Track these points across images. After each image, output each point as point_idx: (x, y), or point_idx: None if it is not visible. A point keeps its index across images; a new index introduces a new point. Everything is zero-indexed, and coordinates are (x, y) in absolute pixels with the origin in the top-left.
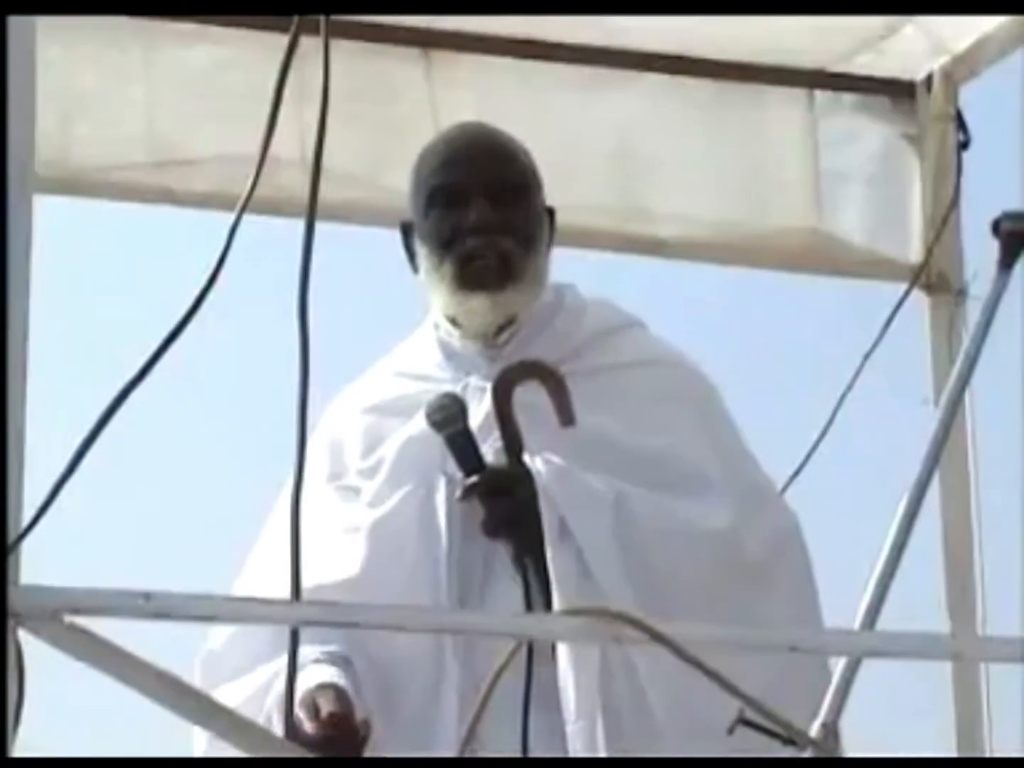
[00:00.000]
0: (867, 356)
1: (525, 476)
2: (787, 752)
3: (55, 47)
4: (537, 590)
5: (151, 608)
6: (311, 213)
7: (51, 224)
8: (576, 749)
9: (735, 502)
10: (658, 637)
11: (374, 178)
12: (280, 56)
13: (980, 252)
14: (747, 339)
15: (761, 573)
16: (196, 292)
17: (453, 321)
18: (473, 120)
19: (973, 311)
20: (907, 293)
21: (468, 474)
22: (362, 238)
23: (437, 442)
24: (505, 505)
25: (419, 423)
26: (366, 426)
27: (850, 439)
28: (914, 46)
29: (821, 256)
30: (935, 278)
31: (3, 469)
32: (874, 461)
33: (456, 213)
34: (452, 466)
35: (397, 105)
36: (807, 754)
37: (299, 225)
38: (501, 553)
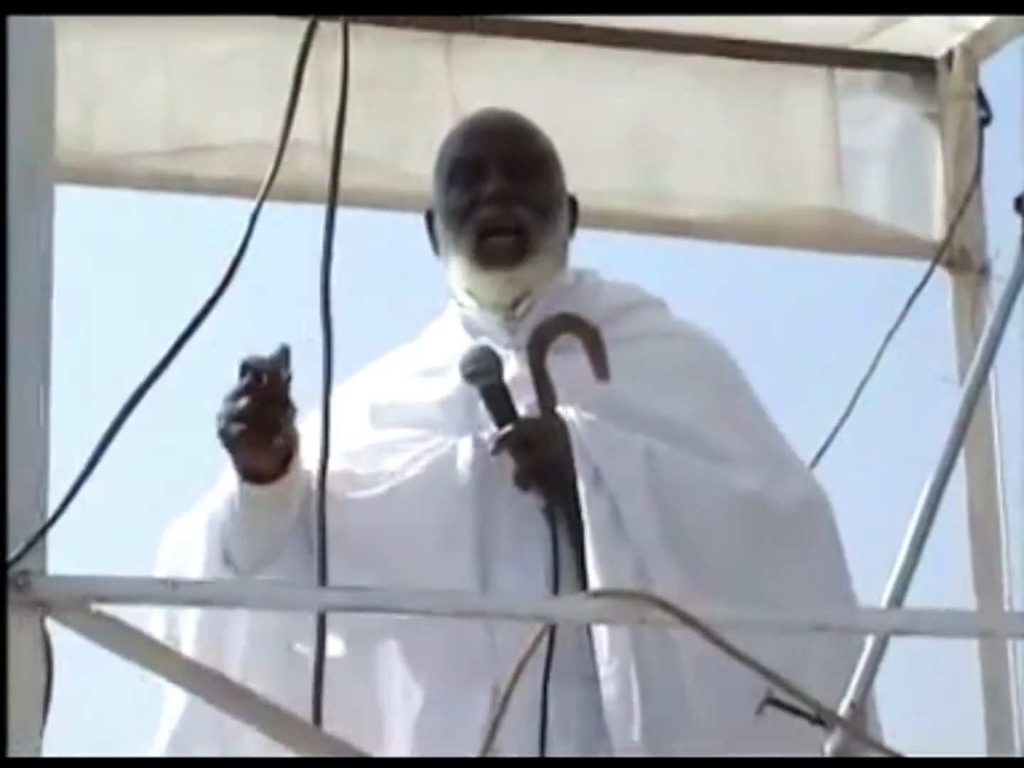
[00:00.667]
0: (890, 335)
1: (559, 427)
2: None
3: (75, 40)
4: (566, 542)
5: (179, 595)
6: (332, 199)
7: (72, 213)
8: (609, 695)
9: (762, 471)
10: (685, 618)
11: (394, 163)
12: (298, 42)
13: (1003, 229)
14: (769, 319)
15: (791, 531)
16: (218, 279)
17: (471, 294)
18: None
19: (996, 289)
20: (930, 271)
21: (501, 426)
22: (381, 223)
23: (465, 398)
24: (538, 456)
25: (451, 387)
26: (394, 388)
27: (874, 417)
28: (933, 23)
29: (843, 235)
30: (957, 256)
31: (3, 455)
32: (898, 439)
33: (474, 186)
34: (484, 430)
35: (416, 90)
36: (835, 734)
37: (319, 211)
38: (531, 507)
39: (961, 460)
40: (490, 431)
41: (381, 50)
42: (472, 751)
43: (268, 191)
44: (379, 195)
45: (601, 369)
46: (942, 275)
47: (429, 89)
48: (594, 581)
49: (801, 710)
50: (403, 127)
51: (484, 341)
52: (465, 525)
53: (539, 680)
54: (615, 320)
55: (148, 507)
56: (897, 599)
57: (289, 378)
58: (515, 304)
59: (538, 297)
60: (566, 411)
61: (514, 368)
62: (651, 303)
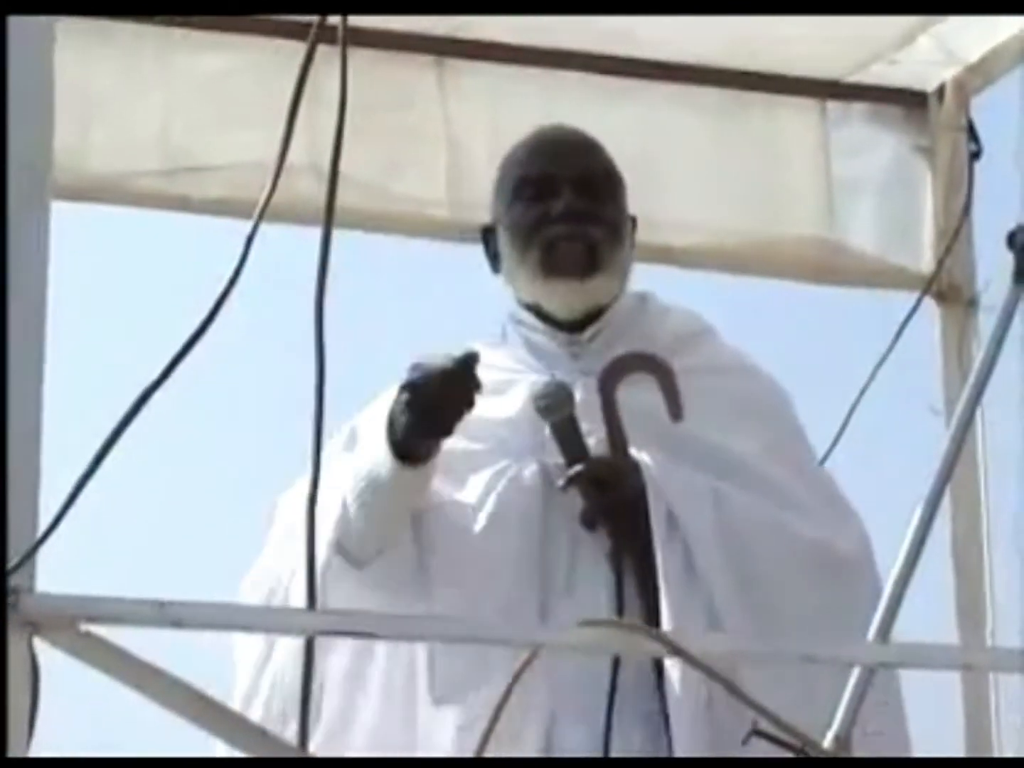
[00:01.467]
0: (878, 366)
1: (633, 468)
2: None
3: (70, 53)
4: (632, 586)
5: (167, 616)
6: (328, 220)
7: (67, 230)
8: (680, 735)
9: (824, 517)
10: (676, 650)
11: (386, 186)
12: (294, 63)
13: (992, 263)
14: (759, 349)
15: (853, 579)
16: (213, 300)
17: (537, 311)
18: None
19: (984, 322)
20: (918, 303)
21: (571, 463)
22: (372, 246)
23: (530, 418)
24: (610, 497)
25: (516, 406)
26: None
27: (862, 448)
28: (927, 56)
29: (832, 265)
30: (946, 288)
31: (3, 475)
32: (886, 470)
33: (543, 202)
34: (547, 453)
35: (409, 113)
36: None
37: (311, 233)
38: (589, 545)
39: (947, 492)
40: (555, 456)
41: (374, 73)
42: None
43: (264, 212)
44: (371, 217)
45: (676, 409)
46: (931, 307)
47: (422, 112)
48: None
49: (786, 742)
50: (396, 150)
51: (549, 366)
52: (528, 558)
53: (602, 716)
54: (682, 350)
55: (141, 525)
56: (884, 632)
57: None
58: (582, 325)
59: (607, 321)
60: (639, 452)
61: (579, 395)
62: (710, 332)
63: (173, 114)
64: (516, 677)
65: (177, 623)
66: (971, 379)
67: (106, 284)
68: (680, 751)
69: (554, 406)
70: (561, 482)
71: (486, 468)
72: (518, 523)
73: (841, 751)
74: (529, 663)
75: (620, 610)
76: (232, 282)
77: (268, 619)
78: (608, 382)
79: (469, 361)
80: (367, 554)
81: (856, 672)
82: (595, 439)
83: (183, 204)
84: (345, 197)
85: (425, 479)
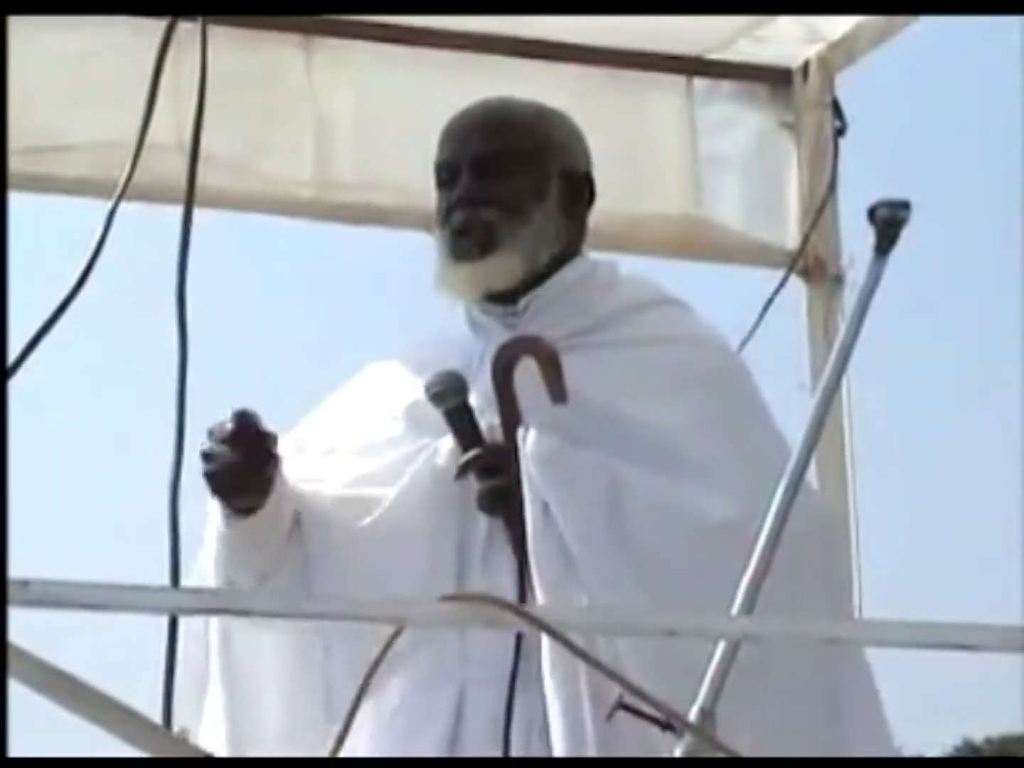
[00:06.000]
0: (744, 343)
1: (514, 455)
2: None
3: None
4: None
5: (28, 595)
6: (189, 199)
7: None
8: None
9: (747, 491)
10: (533, 621)
11: (252, 164)
12: (155, 41)
13: (857, 239)
14: None
15: (781, 566)
16: (72, 280)
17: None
18: (490, 96)
19: (850, 297)
20: (784, 280)
21: (466, 449)
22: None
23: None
24: (497, 483)
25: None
26: (393, 380)
27: None
28: (791, 33)
29: (699, 242)
30: (812, 264)
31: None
32: None
33: (450, 190)
34: None
35: (275, 91)
36: (686, 739)
37: (176, 212)
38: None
39: (812, 466)
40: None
41: (239, 50)
42: (432, 753)
43: (125, 191)
44: (237, 196)
45: (557, 393)
46: (797, 283)
47: (288, 90)
48: None
49: (651, 715)
50: (261, 128)
51: (487, 338)
52: (443, 536)
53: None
54: (622, 320)
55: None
56: (749, 605)
57: (275, 439)
58: (516, 300)
59: (542, 292)
60: (525, 436)
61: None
62: (668, 304)
63: (32, 93)
64: (385, 649)
65: (38, 602)
66: (833, 354)
67: None
68: (553, 710)
69: (446, 394)
70: (455, 471)
71: (406, 445)
72: (433, 501)
73: (706, 723)
74: (393, 641)
75: (522, 593)
76: (92, 260)
77: (131, 598)
78: (498, 367)
79: (244, 420)
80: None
81: (720, 647)
82: (488, 424)
83: (44, 185)
84: (210, 176)
85: (270, 515)
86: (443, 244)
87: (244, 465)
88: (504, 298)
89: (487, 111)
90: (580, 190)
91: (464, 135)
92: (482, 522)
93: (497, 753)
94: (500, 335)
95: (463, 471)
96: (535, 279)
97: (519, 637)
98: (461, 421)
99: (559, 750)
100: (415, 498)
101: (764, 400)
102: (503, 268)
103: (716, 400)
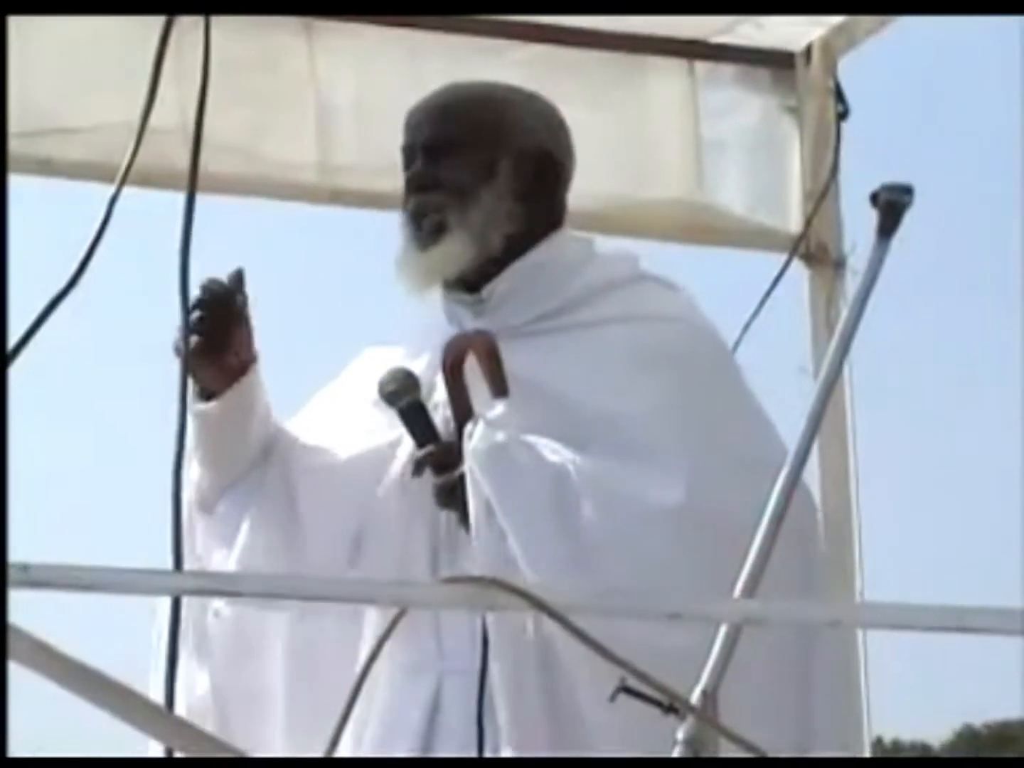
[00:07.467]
0: (747, 326)
1: (460, 453)
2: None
3: None
4: None
5: (29, 578)
6: (192, 184)
7: None
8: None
9: (696, 473)
10: (535, 603)
11: (254, 149)
12: (159, 25)
13: (859, 223)
14: None
15: (720, 544)
16: (75, 263)
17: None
18: (455, 81)
19: (852, 282)
20: (787, 264)
21: (421, 446)
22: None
23: (429, 391)
24: (449, 479)
25: (419, 369)
26: (375, 368)
27: None
28: (793, 17)
29: (701, 227)
30: (814, 249)
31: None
32: None
33: (407, 174)
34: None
35: (278, 76)
36: (688, 722)
37: (179, 197)
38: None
39: (814, 451)
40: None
41: (242, 35)
42: (410, 742)
43: (127, 175)
44: (240, 181)
45: (496, 388)
46: (799, 267)
47: (290, 74)
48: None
49: (653, 698)
50: (264, 113)
51: (459, 325)
52: (417, 520)
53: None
54: (593, 300)
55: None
56: (751, 589)
57: (244, 299)
58: (479, 287)
59: (507, 277)
60: (472, 432)
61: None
62: (644, 280)
63: (34, 76)
64: (388, 632)
65: (39, 584)
66: (835, 338)
67: None
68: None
69: (399, 392)
70: (411, 468)
71: (382, 435)
72: (406, 492)
73: (708, 706)
74: (396, 624)
75: None
76: (94, 244)
77: (133, 581)
78: (447, 362)
79: (208, 284)
80: (222, 489)
81: (723, 630)
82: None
83: (45, 168)
84: (213, 161)
85: (238, 401)
86: (402, 230)
87: (207, 326)
88: (470, 286)
89: (438, 96)
90: (540, 169)
91: (417, 121)
92: (451, 515)
93: (472, 745)
94: (471, 324)
95: (418, 468)
96: (494, 263)
97: (485, 632)
98: (415, 419)
99: (504, 719)
100: (392, 490)
101: (741, 380)
102: (453, 254)
103: (679, 380)
